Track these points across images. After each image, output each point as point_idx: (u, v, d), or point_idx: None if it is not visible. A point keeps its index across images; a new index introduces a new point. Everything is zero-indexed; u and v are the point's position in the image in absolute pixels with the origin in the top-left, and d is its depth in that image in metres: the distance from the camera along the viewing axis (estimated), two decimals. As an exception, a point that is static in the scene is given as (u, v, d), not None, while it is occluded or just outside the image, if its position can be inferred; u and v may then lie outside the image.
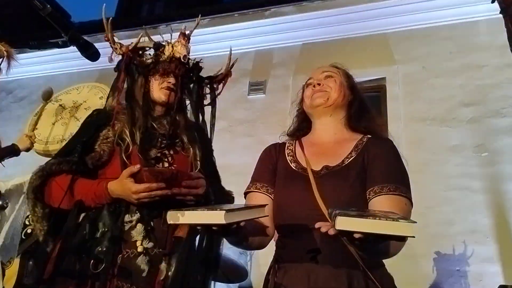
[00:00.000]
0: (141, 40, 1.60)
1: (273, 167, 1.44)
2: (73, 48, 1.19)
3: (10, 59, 1.02)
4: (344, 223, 0.92)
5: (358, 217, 0.92)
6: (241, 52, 4.91)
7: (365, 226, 0.91)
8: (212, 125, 1.68)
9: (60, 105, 2.34)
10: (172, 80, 1.57)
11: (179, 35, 1.63)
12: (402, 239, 0.91)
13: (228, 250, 3.28)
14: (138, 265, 1.33)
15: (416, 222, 0.89)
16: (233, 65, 1.73)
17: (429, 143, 3.85)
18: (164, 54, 1.58)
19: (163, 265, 1.36)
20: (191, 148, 1.54)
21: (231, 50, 1.79)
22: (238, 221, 1.01)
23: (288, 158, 1.43)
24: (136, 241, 1.35)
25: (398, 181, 1.26)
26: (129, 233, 1.36)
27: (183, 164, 1.51)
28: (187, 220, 1.02)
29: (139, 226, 1.36)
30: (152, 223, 1.38)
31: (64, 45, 1.13)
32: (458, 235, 3.46)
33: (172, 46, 1.58)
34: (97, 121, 1.55)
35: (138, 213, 1.37)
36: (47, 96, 2.40)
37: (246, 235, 1.22)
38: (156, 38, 5.72)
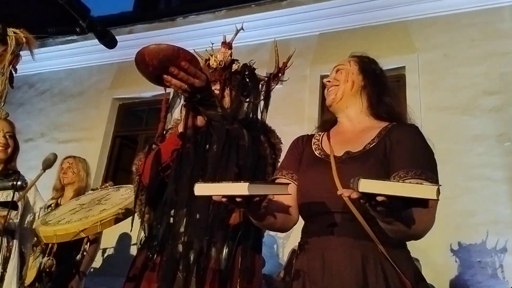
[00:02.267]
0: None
1: (299, 156, 1.47)
2: (92, 41, 1.20)
3: (31, 46, 1.04)
4: (367, 185, 0.92)
5: (381, 180, 0.94)
6: (258, 43, 4.89)
7: (388, 188, 0.91)
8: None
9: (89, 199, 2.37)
10: (217, 86, 1.64)
11: (221, 44, 1.74)
12: (425, 204, 0.91)
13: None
14: (185, 254, 1.40)
15: (441, 185, 0.91)
16: (285, 63, 1.87)
17: (450, 132, 3.79)
18: (211, 64, 1.68)
19: (213, 251, 1.43)
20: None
21: (276, 44, 1.93)
22: (261, 194, 1.03)
23: (314, 147, 1.45)
24: (182, 232, 1.42)
25: (424, 166, 1.23)
26: (176, 225, 1.43)
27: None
28: (213, 192, 1.04)
29: (185, 219, 1.42)
30: (197, 215, 1.42)
31: (82, 32, 1.15)
32: (479, 226, 3.41)
33: (214, 57, 1.68)
34: None
35: (185, 208, 1.42)
36: (48, 165, 2.26)
37: (269, 212, 1.23)
38: (174, 30, 5.72)
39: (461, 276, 3.34)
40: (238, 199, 1.03)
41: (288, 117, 4.32)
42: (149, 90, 4.75)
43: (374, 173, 1.23)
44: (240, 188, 0.99)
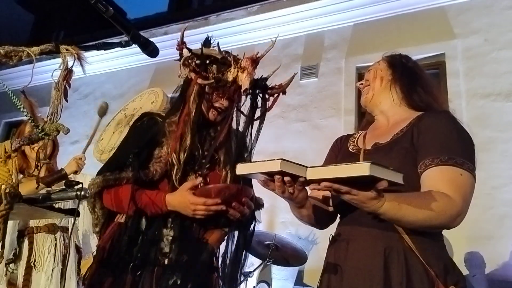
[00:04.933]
0: (208, 50, 1.55)
1: (337, 153, 1.52)
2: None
3: (81, 61, 1.12)
4: (313, 173, 1.00)
5: (325, 166, 1.00)
6: (291, 37, 4.88)
7: (328, 173, 0.97)
8: (256, 138, 1.56)
9: (125, 114, 2.41)
10: (225, 102, 1.51)
11: (248, 59, 1.47)
12: (372, 185, 0.96)
13: (288, 234, 3.33)
14: (170, 274, 1.39)
15: (370, 162, 0.93)
16: (289, 84, 1.62)
17: (494, 120, 3.65)
18: (229, 73, 1.47)
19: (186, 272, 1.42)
20: (223, 170, 1.53)
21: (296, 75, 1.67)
22: (291, 173, 1.07)
23: (349, 143, 1.49)
24: (167, 252, 1.41)
25: (453, 151, 1.19)
26: (160, 243, 1.43)
27: (215, 183, 1.52)
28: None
29: (170, 239, 1.43)
30: (183, 234, 1.43)
31: (127, 44, 1.22)
32: (528, 216, 3.28)
33: (238, 71, 1.47)
34: (148, 129, 1.54)
35: (173, 230, 1.43)
36: (102, 112, 2.43)
37: (309, 200, 1.29)
38: (207, 29, 5.77)
39: (508, 268, 3.23)
40: (277, 177, 1.09)
41: (324, 110, 4.29)
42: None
43: (397, 162, 1.22)
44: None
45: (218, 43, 1.55)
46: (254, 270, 3.28)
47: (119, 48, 1.26)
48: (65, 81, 1.08)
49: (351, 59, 4.48)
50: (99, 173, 1.49)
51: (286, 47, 4.84)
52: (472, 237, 3.24)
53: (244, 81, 1.44)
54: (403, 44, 4.19)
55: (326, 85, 4.48)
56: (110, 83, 6.10)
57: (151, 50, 1.29)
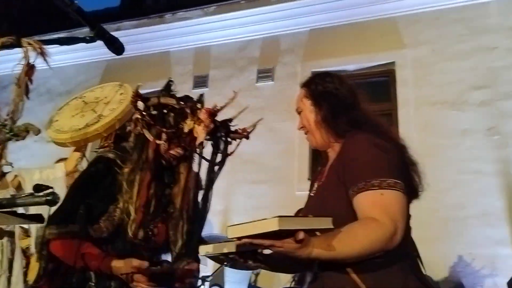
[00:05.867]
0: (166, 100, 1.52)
1: None
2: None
3: (44, 55, 1.04)
4: (233, 232, 1.03)
5: (244, 223, 1.01)
6: (248, 39, 4.87)
7: (246, 230, 1.00)
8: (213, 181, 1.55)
9: (83, 101, 2.34)
10: (180, 150, 1.52)
11: (206, 112, 1.47)
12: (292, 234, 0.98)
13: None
14: None
15: (278, 217, 0.95)
16: (252, 130, 1.62)
17: (439, 127, 3.82)
18: (185, 124, 1.48)
19: None
20: (180, 221, 1.54)
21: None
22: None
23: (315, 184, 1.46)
24: None
25: (367, 174, 1.17)
26: None
27: (162, 236, 1.56)
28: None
29: None
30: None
31: (91, 40, 1.15)
32: (470, 218, 3.45)
33: (195, 123, 1.47)
34: (102, 178, 1.53)
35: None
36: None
37: None
38: (163, 27, 5.63)
39: (452, 268, 3.38)
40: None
41: (280, 114, 4.31)
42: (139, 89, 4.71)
43: (324, 202, 1.25)
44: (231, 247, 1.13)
45: (175, 93, 1.56)
46: (212, 274, 3.24)
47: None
48: (27, 77, 1.01)
49: (307, 64, 4.53)
50: (48, 223, 1.43)
51: (242, 49, 4.83)
52: (418, 238, 3.34)
53: (200, 134, 1.45)
54: (355, 52, 4.31)
55: (282, 89, 4.50)
56: (56, 79, 5.80)
57: (117, 46, 1.22)
